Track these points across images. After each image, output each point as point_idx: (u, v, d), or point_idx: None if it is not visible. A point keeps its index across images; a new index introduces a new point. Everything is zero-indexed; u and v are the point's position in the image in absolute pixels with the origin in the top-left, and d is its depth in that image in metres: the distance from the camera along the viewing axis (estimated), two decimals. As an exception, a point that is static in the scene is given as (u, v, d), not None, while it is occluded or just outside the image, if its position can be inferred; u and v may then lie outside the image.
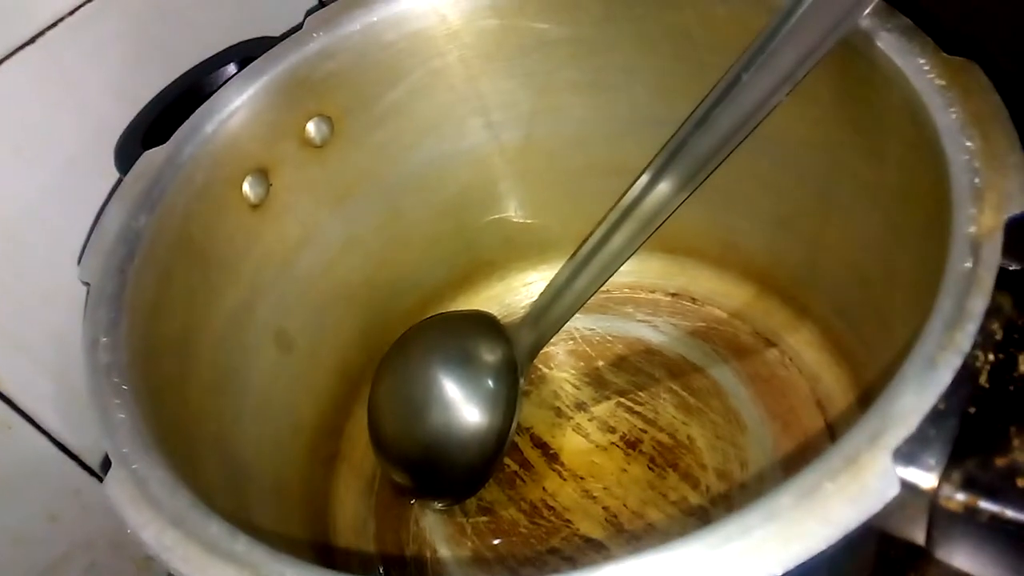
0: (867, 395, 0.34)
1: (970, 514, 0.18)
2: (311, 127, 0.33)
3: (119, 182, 0.29)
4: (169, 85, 0.34)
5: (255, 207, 0.32)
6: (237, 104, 0.31)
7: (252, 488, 0.29)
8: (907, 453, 0.18)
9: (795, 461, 0.34)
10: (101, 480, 0.37)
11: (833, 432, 0.35)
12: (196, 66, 0.34)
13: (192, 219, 0.29)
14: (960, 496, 0.18)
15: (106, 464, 0.22)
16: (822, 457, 0.18)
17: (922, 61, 0.24)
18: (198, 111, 0.30)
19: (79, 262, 0.27)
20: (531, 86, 0.36)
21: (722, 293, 0.39)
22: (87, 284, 0.26)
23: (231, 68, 0.32)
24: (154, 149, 0.30)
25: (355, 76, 0.33)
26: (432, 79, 0.34)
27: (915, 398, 0.18)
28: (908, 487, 0.18)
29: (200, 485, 0.22)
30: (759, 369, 0.37)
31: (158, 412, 0.24)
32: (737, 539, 0.17)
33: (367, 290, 0.38)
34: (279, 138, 0.32)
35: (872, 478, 0.17)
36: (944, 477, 0.18)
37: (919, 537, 0.20)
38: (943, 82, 0.23)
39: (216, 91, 0.31)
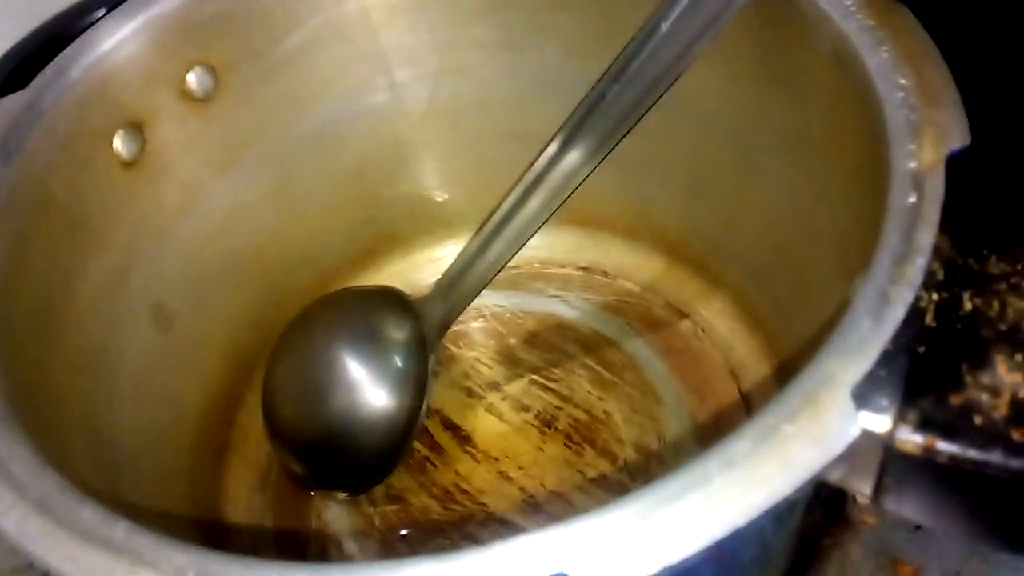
0: (780, 361, 0.34)
1: (928, 456, 0.17)
2: (192, 78, 0.30)
3: (-33, 132, 0.25)
4: (32, 33, 0.30)
5: (128, 165, 0.28)
6: (107, 47, 0.27)
7: (130, 481, 0.26)
8: (859, 395, 0.17)
9: (711, 431, 0.34)
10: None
11: (747, 400, 0.34)
12: (62, 12, 0.30)
13: (54, 174, 0.26)
14: (917, 437, 0.17)
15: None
16: (778, 399, 0.17)
17: (849, 3, 0.24)
18: (62, 55, 0.27)
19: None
20: (436, 43, 0.34)
21: (634, 266, 0.39)
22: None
23: (101, 13, 0.29)
24: (10, 96, 0.26)
25: (242, 22, 0.30)
26: (328, 31, 0.32)
27: (870, 333, 0.17)
28: (862, 431, 0.17)
29: (69, 471, 0.19)
30: (673, 341, 0.37)
31: (16, 389, 0.21)
32: (695, 489, 0.15)
33: (258, 264, 0.35)
34: (155, 88, 0.29)
35: (833, 417, 0.16)
36: (899, 418, 0.17)
37: (865, 487, 0.19)
38: (872, 22, 0.23)
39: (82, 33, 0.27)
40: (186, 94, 0.30)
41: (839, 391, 0.16)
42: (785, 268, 0.31)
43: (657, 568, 0.15)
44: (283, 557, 0.33)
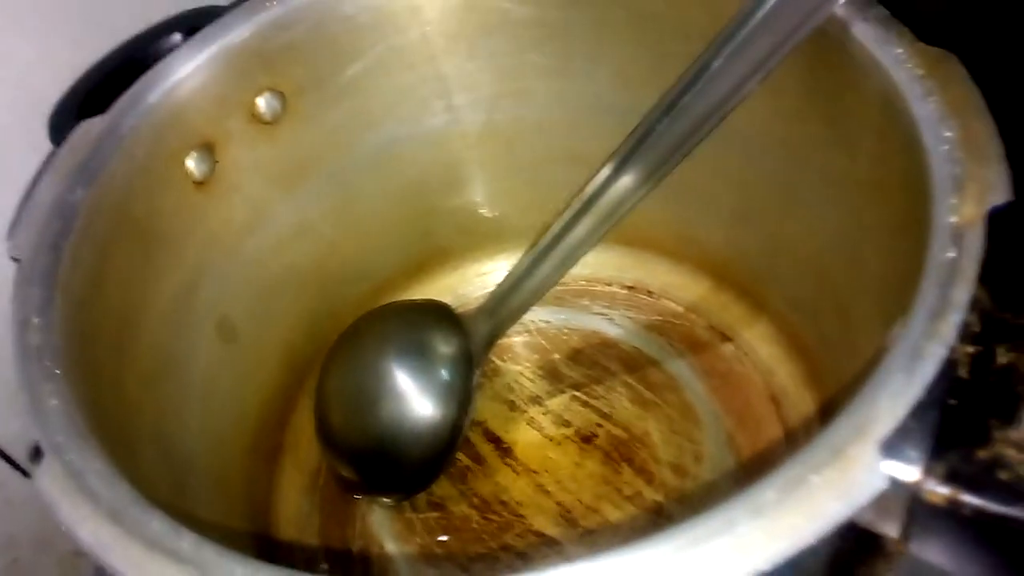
0: (821, 390, 0.34)
1: (953, 508, 0.17)
2: (261, 102, 0.31)
3: (53, 153, 0.27)
4: (109, 54, 0.32)
5: (200, 184, 0.30)
6: (183, 75, 0.29)
7: (192, 483, 0.28)
8: (889, 446, 0.18)
9: (749, 455, 0.34)
10: (26, 474, 0.36)
11: (786, 426, 0.35)
12: (139, 35, 0.32)
13: (133, 195, 0.27)
14: (943, 489, 0.17)
15: (35, 455, 0.20)
16: (806, 450, 0.17)
17: (899, 51, 0.24)
18: (140, 80, 0.28)
19: (8, 236, 0.25)
20: (494, 68, 0.35)
21: (679, 286, 0.39)
22: (17, 260, 0.24)
23: (176, 37, 0.30)
24: (91, 119, 0.28)
25: (310, 50, 0.31)
26: (392, 57, 0.33)
27: (901, 389, 0.18)
28: (890, 480, 0.17)
29: (139, 480, 0.21)
30: (714, 363, 0.37)
31: (93, 401, 0.22)
32: (721, 535, 0.16)
33: (316, 277, 0.36)
34: (227, 113, 0.30)
35: (859, 471, 0.17)
36: (927, 470, 0.18)
37: (892, 530, 0.20)
38: (921, 72, 0.23)
39: (160, 60, 0.29)
40: (255, 117, 0.31)
41: (867, 445, 0.17)
42: (829, 301, 0.31)
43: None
44: (328, 556, 0.34)
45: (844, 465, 0.17)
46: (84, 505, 0.19)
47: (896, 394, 0.18)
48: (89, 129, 0.27)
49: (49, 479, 0.20)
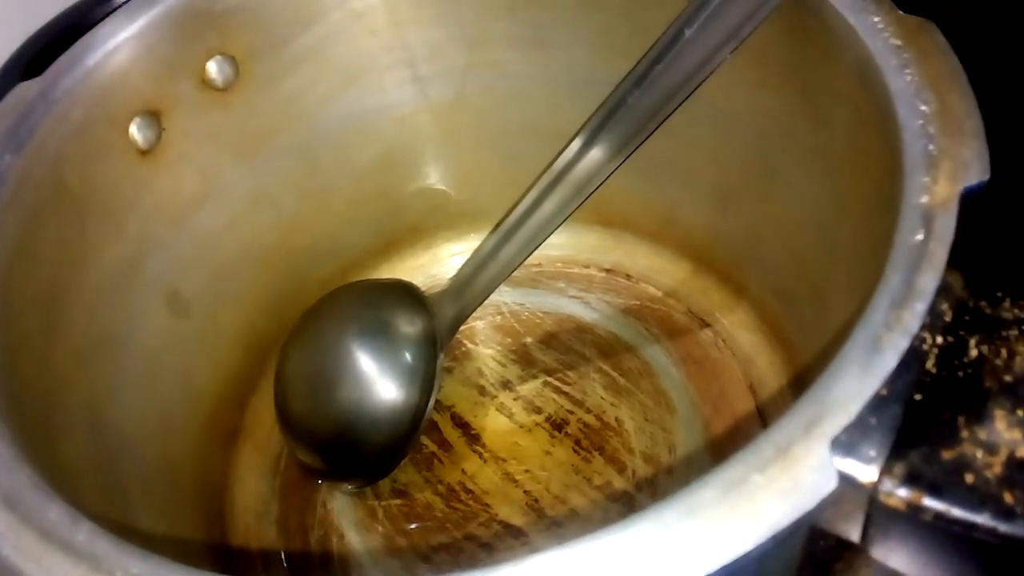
0: (799, 380, 0.33)
1: (913, 512, 0.16)
2: (212, 67, 0.30)
3: (-16, 118, 0.26)
4: (55, 18, 0.30)
5: (145, 153, 0.28)
6: (125, 36, 0.27)
7: (132, 467, 0.26)
8: (845, 443, 0.16)
9: (724, 446, 0.33)
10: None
11: (764, 417, 0.34)
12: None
13: (66, 162, 0.26)
14: (902, 492, 0.16)
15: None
16: (751, 446, 0.16)
17: (877, 19, 0.22)
18: (79, 42, 0.27)
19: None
20: (463, 37, 0.33)
21: (658, 270, 0.38)
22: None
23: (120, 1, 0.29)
24: (27, 82, 0.26)
25: (263, 12, 0.30)
26: (352, 22, 0.32)
27: (856, 382, 0.16)
28: (845, 480, 0.16)
29: (56, 463, 0.19)
30: (692, 350, 0.36)
31: (10, 378, 0.21)
32: (653, 537, 0.15)
33: (279, 254, 0.35)
34: (174, 77, 0.29)
35: (806, 471, 0.15)
36: (885, 470, 0.16)
37: (854, 534, 0.18)
38: (898, 42, 0.22)
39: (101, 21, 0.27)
40: (206, 83, 0.30)
41: (816, 442, 0.16)
42: (807, 286, 0.30)
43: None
44: (287, 544, 0.33)
45: (790, 464, 0.15)
46: (-22, 490, 0.18)
47: (851, 388, 0.16)
48: (23, 93, 0.26)
49: (-56, 462, 0.18)
